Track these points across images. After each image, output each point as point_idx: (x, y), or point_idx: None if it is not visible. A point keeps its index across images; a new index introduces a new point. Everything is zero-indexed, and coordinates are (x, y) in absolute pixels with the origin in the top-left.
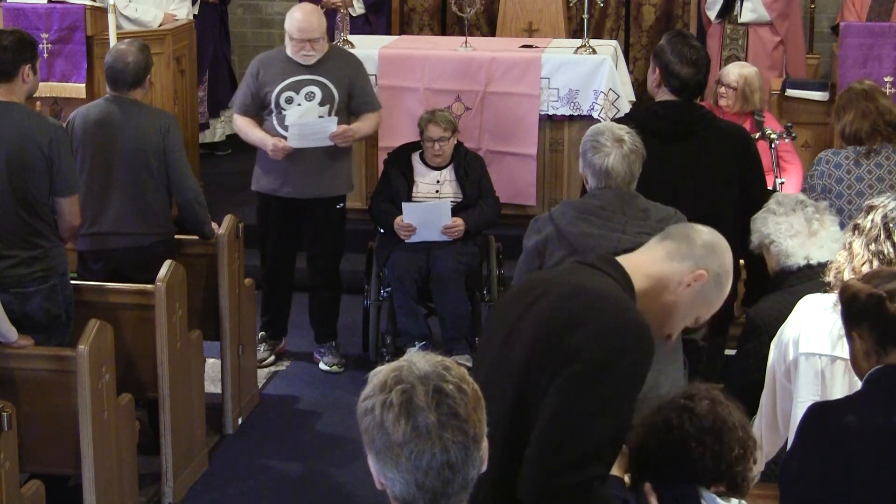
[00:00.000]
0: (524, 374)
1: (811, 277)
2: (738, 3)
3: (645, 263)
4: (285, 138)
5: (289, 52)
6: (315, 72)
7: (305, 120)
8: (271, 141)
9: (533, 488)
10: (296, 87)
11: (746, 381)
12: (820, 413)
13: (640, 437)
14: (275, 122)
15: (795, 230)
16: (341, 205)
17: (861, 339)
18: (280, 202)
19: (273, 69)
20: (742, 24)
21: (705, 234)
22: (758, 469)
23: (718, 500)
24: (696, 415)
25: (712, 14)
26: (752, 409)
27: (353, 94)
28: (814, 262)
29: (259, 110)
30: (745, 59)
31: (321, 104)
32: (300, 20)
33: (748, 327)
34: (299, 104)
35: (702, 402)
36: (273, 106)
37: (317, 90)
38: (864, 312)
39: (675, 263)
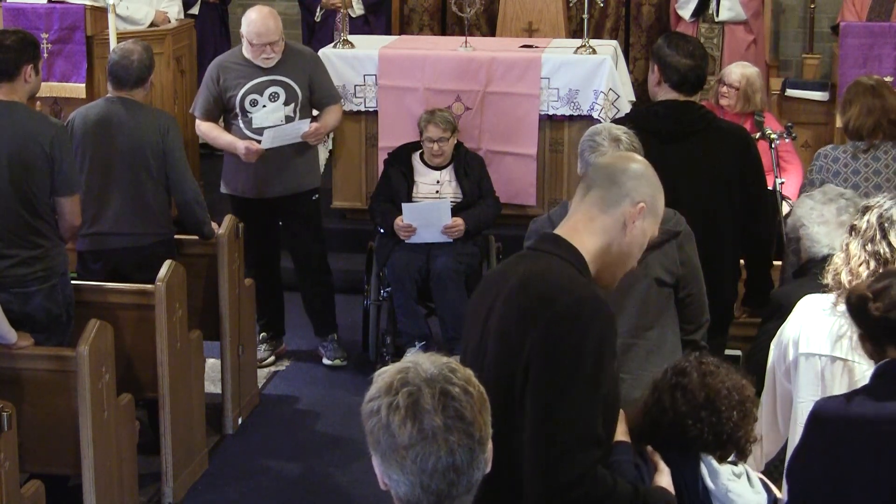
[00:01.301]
0: (497, 374)
1: None
2: (715, 2)
3: (585, 224)
4: (258, 141)
5: (247, 55)
6: (276, 72)
7: (277, 122)
8: (243, 144)
9: (540, 496)
10: (259, 90)
11: (766, 358)
12: (825, 408)
13: (638, 421)
14: (241, 126)
15: (825, 218)
16: (315, 196)
17: (861, 338)
18: (253, 203)
19: (232, 73)
20: (718, 22)
21: (626, 167)
22: (757, 468)
23: (715, 463)
24: (688, 391)
25: (686, 13)
26: None
27: (313, 89)
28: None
29: (223, 114)
30: (721, 58)
31: (286, 104)
32: (259, 24)
33: (771, 307)
34: (264, 106)
35: (692, 377)
36: (238, 110)
37: (280, 90)
38: (853, 313)
39: (612, 210)
